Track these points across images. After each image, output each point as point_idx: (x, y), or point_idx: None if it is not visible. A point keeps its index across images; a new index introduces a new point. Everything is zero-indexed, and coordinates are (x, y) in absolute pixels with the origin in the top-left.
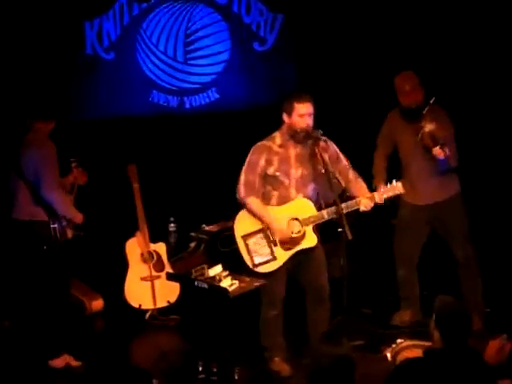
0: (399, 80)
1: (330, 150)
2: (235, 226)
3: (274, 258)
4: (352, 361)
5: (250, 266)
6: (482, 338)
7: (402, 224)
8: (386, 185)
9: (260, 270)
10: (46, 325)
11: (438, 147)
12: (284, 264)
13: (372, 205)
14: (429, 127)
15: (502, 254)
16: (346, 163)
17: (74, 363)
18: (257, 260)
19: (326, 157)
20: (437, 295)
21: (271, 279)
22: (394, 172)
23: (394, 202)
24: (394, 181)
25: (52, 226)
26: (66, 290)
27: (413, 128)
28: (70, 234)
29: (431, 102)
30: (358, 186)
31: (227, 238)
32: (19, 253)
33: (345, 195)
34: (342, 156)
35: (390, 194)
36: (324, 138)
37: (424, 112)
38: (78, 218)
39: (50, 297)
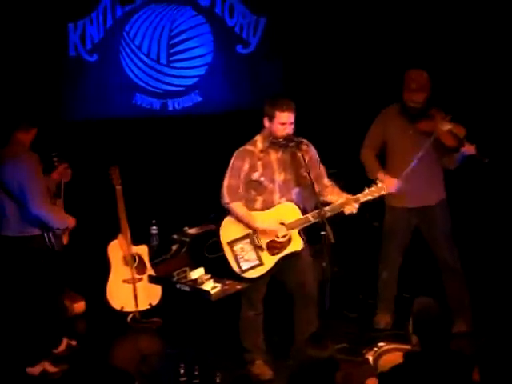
0: (408, 76)
1: (310, 153)
2: (221, 233)
3: (261, 263)
4: (336, 363)
5: (238, 272)
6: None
7: (388, 229)
8: (371, 185)
9: (247, 275)
10: (30, 333)
11: (465, 143)
12: (271, 269)
13: (357, 207)
14: (447, 126)
15: (479, 257)
16: (323, 169)
17: (52, 369)
18: (244, 266)
19: (307, 159)
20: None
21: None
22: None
23: (377, 204)
24: (377, 181)
25: (47, 237)
26: (61, 299)
27: (414, 127)
28: (65, 240)
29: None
30: (335, 191)
31: (214, 244)
32: (13, 269)
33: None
34: (319, 162)
35: (376, 194)
36: (305, 141)
37: (433, 113)
38: (71, 223)
39: (42, 307)
